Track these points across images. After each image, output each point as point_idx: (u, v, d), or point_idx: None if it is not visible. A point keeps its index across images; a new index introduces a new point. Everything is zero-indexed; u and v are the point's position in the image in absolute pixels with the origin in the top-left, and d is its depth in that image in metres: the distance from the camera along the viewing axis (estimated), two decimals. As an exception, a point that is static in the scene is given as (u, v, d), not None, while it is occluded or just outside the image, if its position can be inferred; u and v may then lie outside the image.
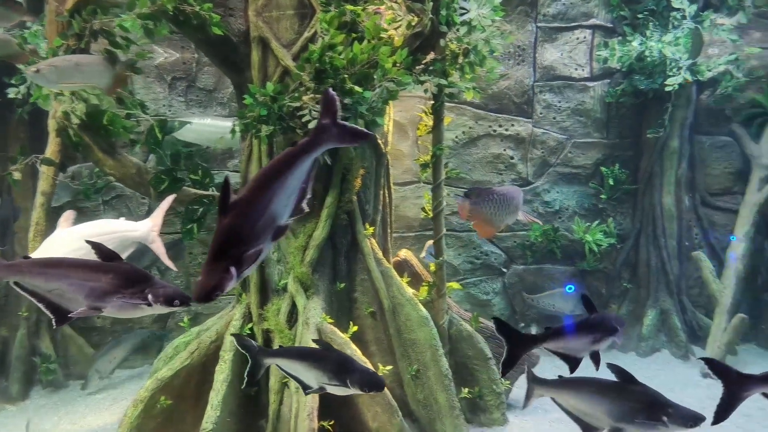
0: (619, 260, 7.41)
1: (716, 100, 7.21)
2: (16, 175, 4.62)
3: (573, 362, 3.25)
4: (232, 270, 1.98)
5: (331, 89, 2.28)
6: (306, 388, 3.33)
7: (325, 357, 3.31)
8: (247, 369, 3.60)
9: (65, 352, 6.31)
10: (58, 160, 4.61)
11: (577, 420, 3.19)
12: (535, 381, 3.54)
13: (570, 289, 7.21)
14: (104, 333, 6.66)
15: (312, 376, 3.26)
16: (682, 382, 6.28)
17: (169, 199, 3.78)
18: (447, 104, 6.97)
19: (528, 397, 3.56)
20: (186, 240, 5.10)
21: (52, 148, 4.63)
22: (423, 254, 5.95)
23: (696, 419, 2.87)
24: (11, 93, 5.07)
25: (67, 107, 4.32)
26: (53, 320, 2.51)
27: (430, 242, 5.72)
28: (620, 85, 7.03)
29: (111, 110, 4.61)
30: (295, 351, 3.95)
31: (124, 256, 3.51)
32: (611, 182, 7.17)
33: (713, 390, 5.26)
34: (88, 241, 2.71)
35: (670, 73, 6.56)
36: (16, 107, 5.85)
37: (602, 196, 7.28)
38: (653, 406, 2.93)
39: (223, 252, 2.00)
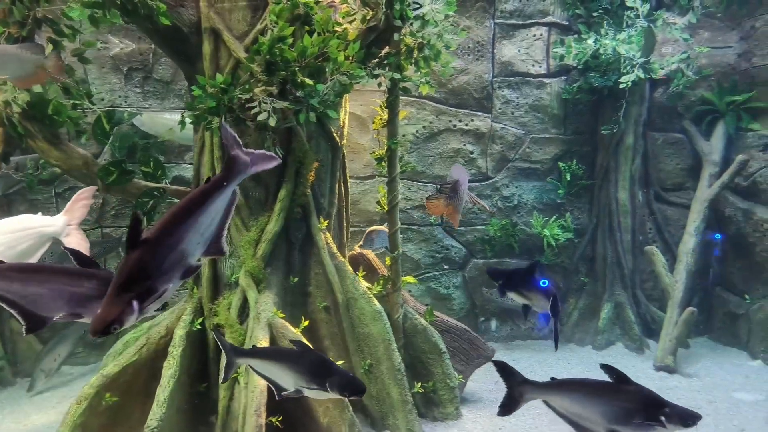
0: (576, 254, 7.54)
1: (669, 97, 7.39)
2: (-45, 165, 4.49)
3: None
4: (135, 304, 1.97)
5: (224, 122, 2.29)
6: (281, 391, 3.17)
7: (303, 358, 3.14)
8: (222, 366, 3.45)
9: (13, 349, 6.14)
10: (0, 151, 4.46)
11: (571, 423, 3.07)
12: (525, 383, 3.28)
13: (544, 283, 7.28)
14: (55, 330, 6.49)
15: (288, 379, 3.12)
16: (635, 375, 6.34)
17: (87, 191, 3.67)
18: (407, 99, 7.05)
19: (515, 400, 3.26)
20: (135, 233, 4.98)
21: (-8, 139, 4.48)
22: (360, 242, 5.94)
23: (694, 418, 2.79)
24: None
25: (9, 96, 4.19)
26: (25, 327, 2.43)
27: (370, 229, 5.73)
28: (576, 82, 7.14)
29: (57, 100, 4.48)
30: (270, 351, 3.81)
31: (40, 252, 3.41)
32: (568, 177, 7.28)
33: (666, 382, 5.45)
34: (65, 248, 2.68)
35: (624, 71, 6.69)
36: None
37: (560, 191, 7.38)
38: (650, 406, 2.84)
39: (127, 285, 1.98)
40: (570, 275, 7.57)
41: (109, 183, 4.76)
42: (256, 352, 3.62)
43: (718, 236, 7.41)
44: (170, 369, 4.60)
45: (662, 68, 6.84)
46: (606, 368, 3.02)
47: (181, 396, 4.65)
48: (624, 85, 6.62)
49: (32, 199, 6.42)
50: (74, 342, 5.78)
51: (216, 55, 4.87)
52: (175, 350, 4.70)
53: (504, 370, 3.28)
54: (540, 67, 7.25)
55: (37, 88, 4.30)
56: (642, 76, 6.63)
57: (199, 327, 4.91)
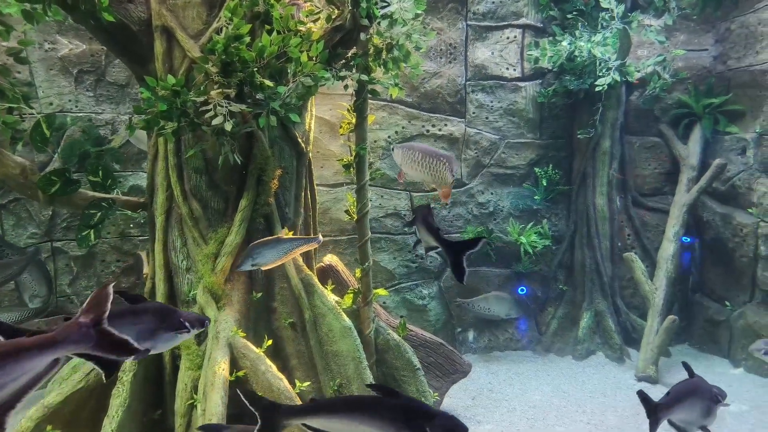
0: (554, 262, 7.35)
1: (645, 100, 7.28)
2: None
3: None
4: None
5: (110, 287, 2.03)
6: None
7: (384, 405, 2.61)
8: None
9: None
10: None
11: None
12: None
13: (522, 290, 7.10)
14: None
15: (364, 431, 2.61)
16: (616, 385, 6.24)
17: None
18: (378, 103, 6.80)
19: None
20: (82, 247, 4.61)
21: None
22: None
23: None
24: None
25: (-70, 99, 3.79)
26: (104, 375, 2.31)
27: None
28: (552, 86, 6.97)
29: (-12, 104, 4.08)
30: (336, 404, 3.01)
31: None
32: (545, 183, 7.09)
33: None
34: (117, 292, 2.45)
35: (600, 74, 6.55)
36: None
37: (536, 197, 7.19)
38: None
39: None
40: (548, 283, 7.37)
41: (51, 194, 4.37)
42: (313, 408, 2.78)
43: (690, 240, 7.30)
44: (119, 397, 4.23)
45: (638, 71, 6.73)
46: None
47: (132, 426, 4.28)
48: (600, 88, 6.48)
49: (-27, 212, 5.96)
50: None
51: (169, 56, 4.54)
52: (126, 376, 4.32)
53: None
54: (514, 70, 7.06)
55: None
56: (618, 78, 6.49)
57: (152, 349, 4.52)
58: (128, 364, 4.36)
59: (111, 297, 2.03)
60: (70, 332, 1.96)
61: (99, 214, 4.62)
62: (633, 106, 7.41)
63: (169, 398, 4.58)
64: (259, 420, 2.64)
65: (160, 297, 4.70)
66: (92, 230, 4.60)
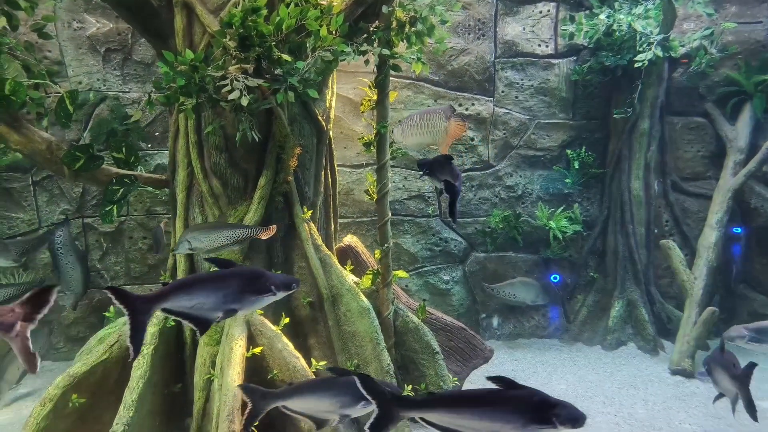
0: (585, 248, 7.07)
1: (689, 77, 6.83)
2: None
3: None
4: None
5: (53, 292, 2.21)
6: None
7: (506, 397, 2.53)
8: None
9: (-11, 344, 5.89)
10: (-45, 135, 4.16)
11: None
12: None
13: (555, 278, 6.89)
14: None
15: (491, 426, 2.56)
16: (647, 378, 5.97)
17: None
18: (404, 82, 6.64)
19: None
20: (105, 222, 4.68)
21: (-53, 121, 4.18)
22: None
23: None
24: None
25: (-42, 74, 3.88)
26: (198, 331, 2.84)
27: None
28: (587, 63, 6.63)
29: (15, 79, 4.14)
30: (456, 397, 2.91)
31: None
32: (577, 166, 6.80)
33: (683, 387, 4.90)
34: (207, 259, 3.15)
35: (640, 49, 6.17)
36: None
37: (567, 181, 6.91)
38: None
39: None
40: (578, 270, 7.10)
41: (76, 169, 4.44)
42: (434, 402, 2.65)
43: (740, 230, 6.88)
44: (140, 369, 4.28)
45: (683, 46, 6.31)
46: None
47: (153, 398, 4.34)
48: (640, 64, 6.11)
49: (9, 188, 6.15)
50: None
51: (189, 31, 4.52)
52: (146, 349, 4.38)
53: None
54: (547, 46, 6.75)
55: (-7, 67, 3.97)
56: (660, 54, 6.09)
57: (173, 324, 4.58)
58: (149, 337, 4.42)
59: (51, 302, 2.14)
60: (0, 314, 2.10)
61: (122, 190, 4.67)
62: (675, 84, 6.97)
63: (189, 372, 4.65)
64: (376, 411, 2.55)
65: (180, 273, 4.75)
66: (115, 206, 4.66)
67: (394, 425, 2.55)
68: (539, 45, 6.75)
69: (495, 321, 7.05)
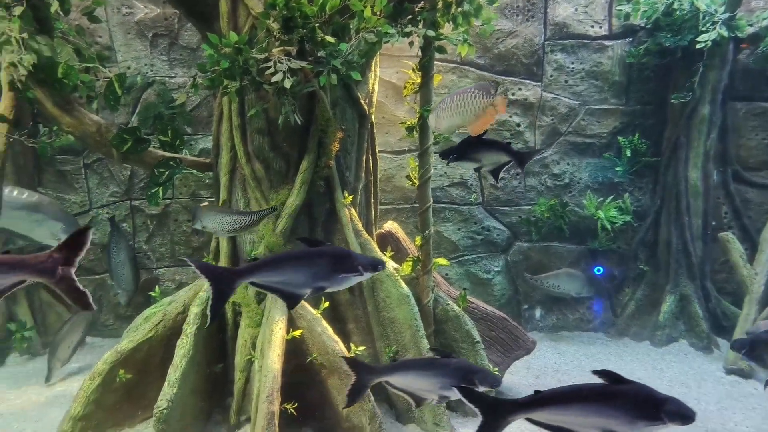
0: (635, 240, 6.77)
1: (756, 60, 6.35)
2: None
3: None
4: None
5: (89, 232, 2.26)
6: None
7: (615, 393, 2.53)
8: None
9: (43, 320, 6.16)
10: (12, 116, 4.30)
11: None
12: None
13: (599, 270, 6.66)
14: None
15: (600, 422, 2.57)
16: (700, 377, 5.68)
17: None
18: (448, 66, 6.48)
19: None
20: (151, 204, 4.78)
21: (5, 103, 4.31)
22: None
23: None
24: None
25: (15, 58, 3.99)
26: (287, 305, 2.99)
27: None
28: (643, 44, 6.27)
29: (67, 63, 4.25)
30: (564, 394, 2.69)
31: None
32: (629, 153, 6.49)
33: (739, 388, 4.61)
34: (299, 238, 3.41)
35: (703, 29, 5.79)
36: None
37: (618, 169, 6.61)
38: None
39: None
40: (627, 262, 6.81)
41: (124, 151, 4.53)
42: (541, 401, 2.63)
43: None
44: (183, 348, 4.37)
45: (750, 25, 5.87)
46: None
47: (196, 377, 4.42)
48: (702, 45, 5.73)
49: (62, 170, 6.38)
50: (85, 329, 5.66)
51: (234, 14, 4.51)
52: (190, 328, 4.46)
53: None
54: (600, 27, 6.43)
55: (45, 51, 4.07)
56: (725, 34, 5.70)
57: (216, 304, 4.64)
58: (191, 317, 4.50)
59: (87, 243, 2.20)
60: (40, 261, 2.18)
61: (167, 172, 4.75)
62: (741, 67, 6.52)
63: (230, 353, 4.72)
64: (480, 418, 2.53)
65: (223, 256, 4.81)
66: (160, 188, 4.74)
67: (501, 430, 2.49)
68: (592, 26, 6.44)
69: (537, 312, 6.86)
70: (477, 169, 3.86)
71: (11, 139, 4.32)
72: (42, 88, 4.24)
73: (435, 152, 4.86)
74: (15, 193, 5.02)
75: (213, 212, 4.37)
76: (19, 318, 5.96)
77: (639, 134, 6.56)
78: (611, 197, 6.61)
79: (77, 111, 4.45)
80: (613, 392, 2.48)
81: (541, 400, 2.50)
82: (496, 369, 4.95)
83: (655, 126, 6.71)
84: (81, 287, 2.27)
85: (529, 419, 2.51)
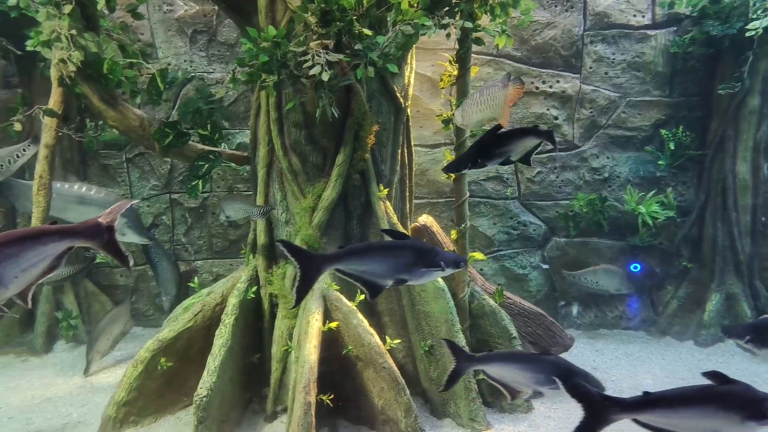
0: (678, 236, 6.54)
1: (811, 48, 6.07)
2: (17, 126, 4.56)
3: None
4: None
5: (132, 202, 2.64)
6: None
7: (726, 394, 2.51)
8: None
9: (88, 309, 6.38)
10: (61, 111, 4.45)
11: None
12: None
13: (635, 267, 6.48)
14: (126, 290, 6.69)
15: (710, 424, 2.55)
16: (748, 379, 5.37)
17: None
18: (484, 58, 6.39)
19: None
20: (191, 196, 4.88)
21: (54, 98, 4.48)
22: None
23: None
24: (29, 45, 4.96)
25: (64, 54, 4.13)
26: (368, 294, 3.04)
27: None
28: (689, 33, 6.04)
29: (111, 59, 4.37)
30: (673, 396, 2.71)
31: None
32: (672, 147, 6.27)
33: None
34: (383, 230, 3.59)
35: (754, 16, 5.54)
36: (39, 62, 5.83)
37: (661, 163, 6.40)
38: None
39: None
40: (669, 259, 6.60)
41: (165, 145, 4.64)
42: (651, 402, 2.76)
43: None
44: (222, 338, 4.45)
45: (805, 11, 5.59)
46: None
47: (233, 366, 4.50)
48: (752, 33, 5.49)
49: (106, 164, 6.57)
50: (125, 321, 5.82)
51: (272, 8, 4.55)
52: (228, 319, 4.55)
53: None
54: (643, 16, 6.23)
55: (92, 47, 4.20)
56: (777, 21, 5.44)
57: (253, 296, 4.72)
58: (230, 307, 4.59)
59: (126, 206, 2.51)
60: (87, 227, 2.41)
61: (206, 165, 4.84)
62: (793, 56, 6.23)
63: (267, 344, 4.79)
64: (583, 413, 2.49)
65: (260, 248, 4.87)
66: (200, 181, 4.83)
67: (602, 429, 2.45)
68: (634, 15, 6.25)
69: (575, 309, 6.72)
70: (507, 162, 3.80)
71: (60, 133, 4.47)
72: (89, 83, 4.37)
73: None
74: (84, 189, 5.21)
75: (232, 201, 4.77)
76: (65, 306, 6.19)
77: (683, 127, 6.33)
78: (653, 192, 6.40)
79: (121, 106, 4.57)
80: (723, 393, 2.45)
81: (650, 401, 2.44)
82: (533, 365, 4.86)
83: (700, 118, 6.47)
84: (123, 249, 2.51)
85: (635, 420, 2.45)
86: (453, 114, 4.60)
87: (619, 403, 2.46)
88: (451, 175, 4.80)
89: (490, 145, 3.71)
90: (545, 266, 6.41)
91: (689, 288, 6.54)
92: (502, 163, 3.84)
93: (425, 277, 3.19)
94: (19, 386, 5.25)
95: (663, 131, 6.39)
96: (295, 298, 2.99)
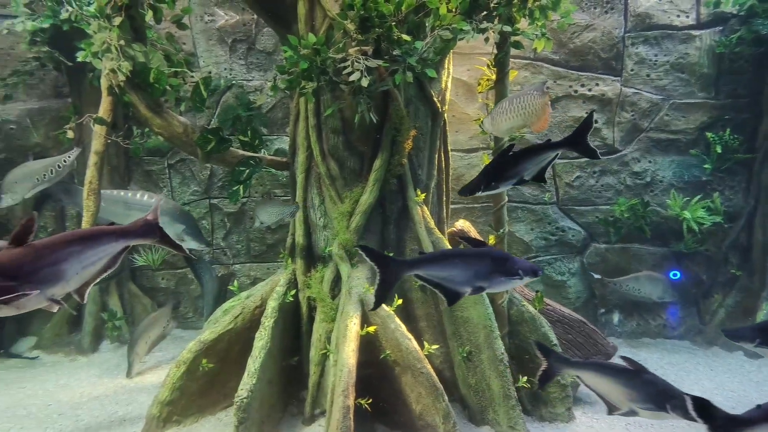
0: (726, 242, 6.32)
1: None
2: (69, 134, 4.74)
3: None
4: None
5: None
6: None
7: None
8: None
9: (132, 310, 6.58)
10: (110, 119, 4.62)
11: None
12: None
13: (675, 275, 6.29)
14: (167, 293, 6.87)
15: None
16: None
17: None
18: (520, 62, 6.33)
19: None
20: (232, 201, 4.98)
21: (104, 107, 4.65)
22: None
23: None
24: (79, 57, 5.18)
25: (114, 65, 4.29)
26: (447, 301, 3.05)
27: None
28: (736, 33, 5.85)
29: (157, 68, 4.52)
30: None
31: None
32: (719, 150, 6.06)
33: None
34: (462, 238, 3.39)
35: (805, 14, 5.33)
36: (88, 72, 6.07)
37: (706, 167, 6.19)
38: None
39: None
40: (716, 266, 6.37)
41: (207, 151, 4.75)
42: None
43: None
44: (262, 340, 4.51)
45: None
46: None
47: (273, 368, 4.55)
48: (803, 31, 5.28)
49: (149, 170, 6.78)
50: (164, 325, 5.94)
51: (311, 16, 4.62)
52: (267, 321, 4.60)
53: None
54: (687, 16, 6.06)
55: (140, 57, 4.35)
56: (830, 18, 5.22)
57: (291, 299, 4.78)
58: (269, 310, 4.65)
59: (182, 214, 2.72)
60: (139, 226, 2.58)
61: (247, 171, 4.93)
62: None
63: (304, 347, 4.83)
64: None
65: (299, 252, 4.93)
66: (241, 186, 4.93)
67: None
68: (678, 15, 6.09)
69: (615, 317, 6.55)
70: (521, 182, 3.75)
71: (109, 141, 4.64)
72: (136, 92, 4.52)
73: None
74: (146, 197, 5.39)
75: (265, 206, 4.89)
76: (110, 308, 6.40)
77: (730, 129, 6.12)
78: (698, 197, 6.21)
79: (166, 113, 4.71)
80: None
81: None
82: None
83: (749, 120, 6.25)
84: (175, 240, 2.70)
85: None
86: (482, 121, 4.58)
87: (747, 421, 2.43)
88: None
89: (503, 166, 3.62)
90: (597, 276, 6.24)
91: (738, 296, 6.30)
92: (517, 184, 3.78)
93: (503, 285, 3.22)
94: (68, 384, 5.44)
95: (709, 134, 6.19)
96: (374, 302, 3.06)
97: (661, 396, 2.78)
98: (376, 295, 3.03)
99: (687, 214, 6.04)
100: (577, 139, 3.38)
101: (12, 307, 2.13)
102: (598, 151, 3.34)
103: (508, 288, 3.23)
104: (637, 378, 2.97)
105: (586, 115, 3.59)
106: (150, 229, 2.61)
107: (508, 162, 3.63)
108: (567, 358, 3.37)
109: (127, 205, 5.24)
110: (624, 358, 3.13)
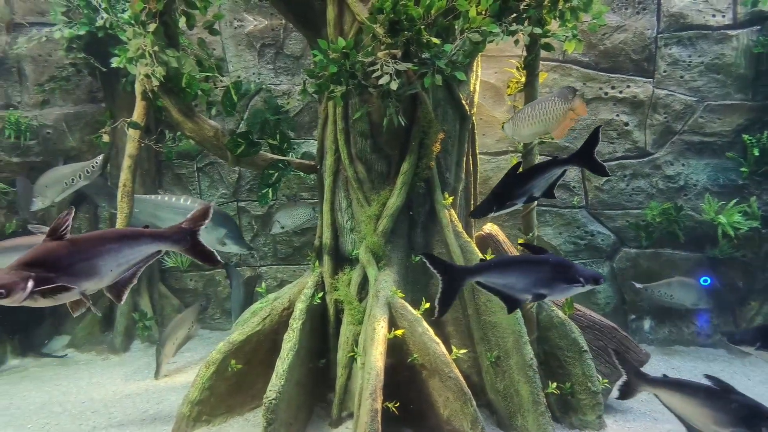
0: (764, 248, 6.11)
1: None
2: (105, 138, 4.87)
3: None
4: (30, 284, 2.07)
5: (211, 206, 2.74)
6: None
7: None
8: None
9: (161, 311, 6.70)
10: (144, 123, 4.73)
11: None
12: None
13: (705, 281, 6.13)
14: (196, 294, 6.98)
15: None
16: None
17: None
18: (549, 64, 6.27)
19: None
20: (262, 204, 5.04)
21: (138, 112, 4.76)
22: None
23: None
24: (114, 63, 5.31)
25: (149, 70, 4.38)
26: (507, 308, 3.16)
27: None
28: (775, 32, 5.69)
29: (189, 73, 4.60)
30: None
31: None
32: (757, 153, 5.89)
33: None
34: (521, 244, 3.55)
35: None
36: (122, 77, 6.23)
37: (743, 170, 6.01)
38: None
39: (32, 265, 2.13)
40: (753, 273, 6.17)
41: (237, 154, 4.82)
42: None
43: None
44: (290, 342, 4.53)
45: None
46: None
47: (300, 370, 4.58)
48: None
49: (179, 173, 6.91)
50: (189, 326, 6.01)
51: (340, 20, 4.65)
52: (295, 323, 4.63)
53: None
54: (723, 16, 5.91)
55: (173, 62, 4.44)
56: None
57: (319, 301, 4.80)
58: (297, 312, 4.68)
59: (210, 215, 2.69)
60: (173, 232, 2.65)
61: (276, 174, 4.99)
62: None
63: (332, 349, 4.85)
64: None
65: (326, 254, 4.95)
66: (270, 189, 4.99)
67: None
68: (713, 15, 5.94)
69: (647, 324, 6.40)
70: (531, 199, 3.82)
71: (143, 144, 4.74)
72: (169, 96, 4.61)
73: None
74: (189, 202, 5.52)
75: (286, 211, 4.74)
76: (141, 308, 6.53)
77: (768, 131, 5.95)
78: (734, 201, 6.03)
79: (197, 117, 4.79)
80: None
81: None
82: (606, 381, 4.67)
83: (788, 122, 6.06)
84: (208, 249, 2.75)
85: None
86: (503, 126, 4.54)
87: None
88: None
89: (512, 185, 3.65)
90: (639, 286, 6.08)
91: (776, 304, 6.10)
92: (527, 201, 3.79)
93: (565, 293, 3.20)
94: (101, 382, 5.57)
95: (745, 137, 6.02)
96: (438, 309, 3.07)
97: (755, 419, 2.63)
98: (440, 303, 3.06)
99: (722, 219, 5.87)
100: (585, 155, 3.41)
101: (49, 299, 2.18)
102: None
103: (570, 295, 3.32)
104: (724, 398, 2.82)
105: (593, 129, 3.60)
106: (182, 237, 2.68)
107: (516, 180, 3.65)
108: (646, 374, 3.29)
109: (174, 210, 5.37)
110: (708, 376, 2.98)
